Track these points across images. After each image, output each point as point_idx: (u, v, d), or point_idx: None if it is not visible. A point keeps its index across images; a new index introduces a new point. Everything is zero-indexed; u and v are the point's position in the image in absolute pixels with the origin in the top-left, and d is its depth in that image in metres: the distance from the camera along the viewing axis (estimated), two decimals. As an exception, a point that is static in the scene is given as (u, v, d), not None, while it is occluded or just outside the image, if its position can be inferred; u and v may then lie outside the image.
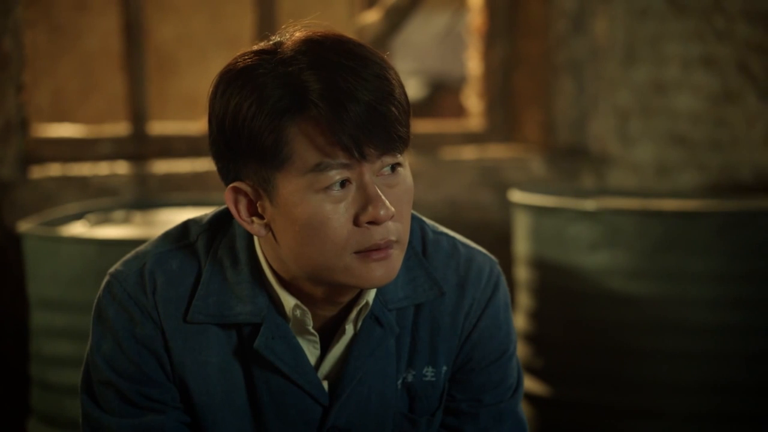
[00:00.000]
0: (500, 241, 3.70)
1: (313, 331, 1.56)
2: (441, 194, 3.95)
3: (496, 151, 4.22)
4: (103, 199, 3.35)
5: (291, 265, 1.50)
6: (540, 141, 4.25)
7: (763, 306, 3.02)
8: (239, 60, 1.47)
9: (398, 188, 1.48)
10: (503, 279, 1.67)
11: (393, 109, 1.43)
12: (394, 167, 1.47)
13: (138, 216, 3.09)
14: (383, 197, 1.45)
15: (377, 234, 1.46)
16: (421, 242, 1.64)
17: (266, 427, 1.58)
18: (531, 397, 3.22)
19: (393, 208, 1.45)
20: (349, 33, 1.51)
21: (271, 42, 1.49)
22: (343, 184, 1.45)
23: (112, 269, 1.59)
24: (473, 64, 4.41)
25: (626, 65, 4.27)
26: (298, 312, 1.54)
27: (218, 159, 1.51)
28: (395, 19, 3.78)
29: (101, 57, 6.65)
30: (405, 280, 1.60)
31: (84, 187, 3.40)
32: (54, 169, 3.43)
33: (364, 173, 1.44)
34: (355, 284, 1.49)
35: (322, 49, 1.44)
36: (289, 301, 1.54)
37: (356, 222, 1.45)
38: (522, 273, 3.33)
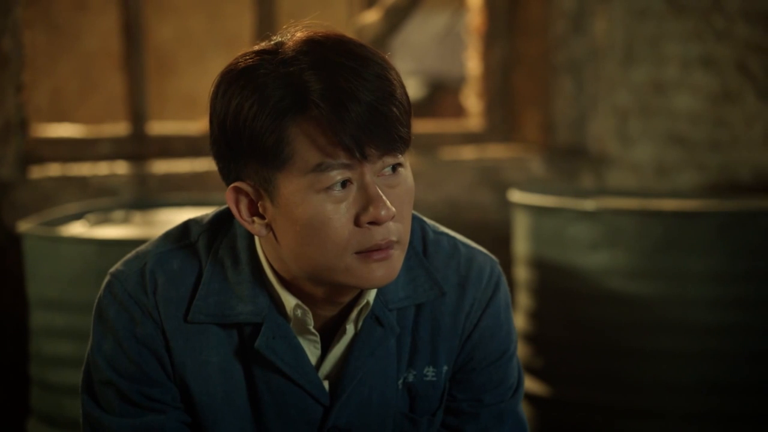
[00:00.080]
0: (500, 241, 3.70)
1: (313, 330, 1.56)
2: (440, 194, 3.96)
3: (496, 151, 4.22)
4: (102, 199, 3.35)
5: (292, 265, 1.50)
6: (539, 141, 4.25)
7: (762, 306, 3.03)
8: (240, 60, 1.47)
9: (399, 188, 1.48)
10: (504, 279, 1.67)
11: (394, 109, 1.43)
12: (395, 167, 1.47)
13: (137, 216, 3.09)
14: (384, 197, 1.45)
15: (378, 234, 1.46)
16: (421, 242, 1.64)
17: (267, 427, 1.58)
18: (530, 397, 3.22)
19: (394, 209, 1.45)
20: (348, 33, 1.51)
21: (272, 42, 1.49)
22: (344, 184, 1.45)
23: (112, 269, 1.59)
24: (472, 64, 4.41)
25: (625, 65, 4.27)
26: (299, 312, 1.54)
27: (219, 159, 1.51)
28: (394, 19, 3.78)
29: (100, 57, 6.65)
30: (405, 280, 1.60)
31: (83, 187, 3.40)
32: (53, 169, 3.43)
33: (365, 173, 1.44)
34: (356, 284, 1.49)
35: (323, 49, 1.44)
36: (290, 301, 1.54)
37: (357, 222, 1.45)
38: (521, 273, 3.33)
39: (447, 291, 1.62)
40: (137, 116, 3.76)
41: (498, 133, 4.34)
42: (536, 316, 3.26)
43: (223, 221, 1.60)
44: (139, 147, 3.73)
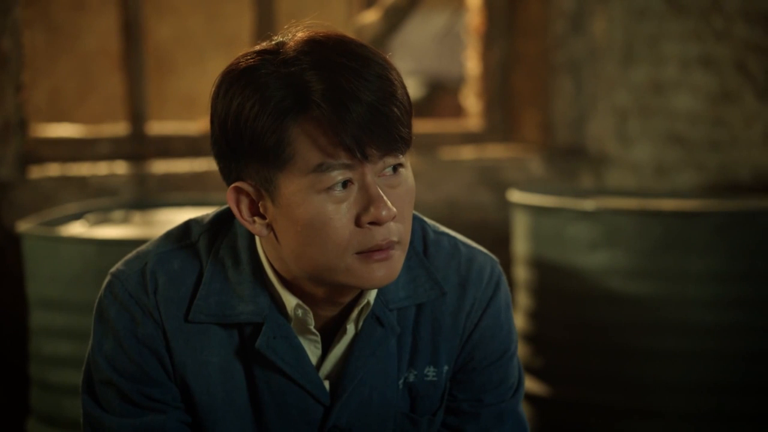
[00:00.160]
0: (499, 241, 3.70)
1: (314, 330, 1.56)
2: (440, 194, 3.96)
3: (495, 151, 4.22)
4: (102, 199, 3.35)
5: (292, 265, 1.51)
6: (539, 141, 4.26)
7: (762, 305, 3.03)
8: (241, 60, 1.47)
9: (400, 189, 1.48)
10: (504, 279, 1.68)
11: (395, 109, 1.43)
12: (395, 168, 1.47)
13: (137, 216, 3.09)
14: (385, 198, 1.45)
15: (379, 234, 1.46)
16: (422, 242, 1.64)
17: (267, 426, 1.58)
18: (530, 397, 3.22)
19: (395, 209, 1.45)
20: (347, 33, 1.52)
21: (273, 42, 1.49)
22: (345, 184, 1.45)
23: (113, 269, 1.59)
24: (472, 64, 4.41)
25: (625, 65, 4.28)
26: (299, 311, 1.54)
27: (220, 159, 1.51)
28: (394, 19, 3.78)
29: (99, 57, 6.65)
30: (406, 280, 1.60)
31: (83, 187, 3.40)
32: (53, 169, 3.43)
33: (366, 174, 1.44)
34: (357, 285, 1.49)
35: (324, 49, 1.44)
36: (290, 301, 1.54)
37: (358, 222, 1.45)
38: (521, 273, 3.33)
39: (447, 291, 1.62)
40: (137, 116, 3.76)
41: (497, 133, 4.34)
42: (535, 316, 3.26)
43: (223, 221, 1.60)
44: (138, 147, 3.73)
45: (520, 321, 3.28)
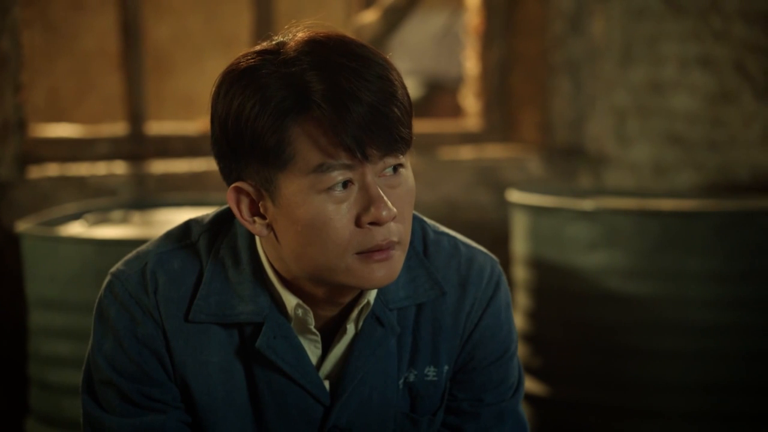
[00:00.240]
0: (498, 241, 3.70)
1: (314, 330, 1.56)
2: (438, 194, 3.96)
3: (494, 151, 4.22)
4: (101, 199, 3.35)
5: (292, 265, 1.51)
6: (537, 141, 4.26)
7: (761, 305, 3.03)
8: (242, 60, 1.47)
9: (400, 189, 1.48)
10: (504, 278, 1.68)
11: (395, 110, 1.43)
12: (396, 168, 1.48)
13: (136, 216, 3.09)
14: (385, 198, 1.45)
15: (379, 235, 1.46)
16: (422, 242, 1.64)
17: (267, 426, 1.58)
18: (529, 397, 3.22)
19: (395, 209, 1.45)
20: (346, 33, 1.52)
21: (273, 42, 1.49)
22: (346, 184, 1.45)
23: (113, 269, 1.59)
24: (470, 64, 4.41)
25: (623, 65, 4.28)
26: (300, 311, 1.54)
27: (220, 159, 1.51)
28: (393, 19, 3.78)
29: (98, 57, 6.65)
30: (406, 280, 1.60)
31: (82, 187, 3.40)
32: (52, 169, 3.43)
33: (366, 174, 1.45)
34: (357, 285, 1.49)
35: (325, 49, 1.44)
36: (290, 301, 1.54)
37: (358, 223, 1.45)
38: (520, 273, 3.33)
39: (447, 291, 1.62)
40: (135, 116, 3.76)
41: (496, 133, 4.34)
42: (534, 316, 3.26)
43: (223, 221, 1.60)
44: (137, 147, 3.73)
45: (518, 321, 3.28)
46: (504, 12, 4.30)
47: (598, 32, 4.21)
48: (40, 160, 3.49)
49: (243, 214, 1.51)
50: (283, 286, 1.54)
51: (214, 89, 1.49)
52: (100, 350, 1.57)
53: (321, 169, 1.43)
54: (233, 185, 1.50)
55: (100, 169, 3.50)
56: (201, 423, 1.57)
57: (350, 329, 1.58)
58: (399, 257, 1.50)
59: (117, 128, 3.83)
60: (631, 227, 3.05)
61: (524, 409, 1.73)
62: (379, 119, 1.42)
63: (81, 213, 3.05)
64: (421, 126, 4.33)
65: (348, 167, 1.44)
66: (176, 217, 3.00)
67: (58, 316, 2.72)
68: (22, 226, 2.82)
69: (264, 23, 3.91)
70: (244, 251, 1.56)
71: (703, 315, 3.02)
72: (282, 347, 1.54)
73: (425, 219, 1.67)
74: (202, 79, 5.88)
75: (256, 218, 1.50)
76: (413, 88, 7.97)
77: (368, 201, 1.45)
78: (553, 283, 3.20)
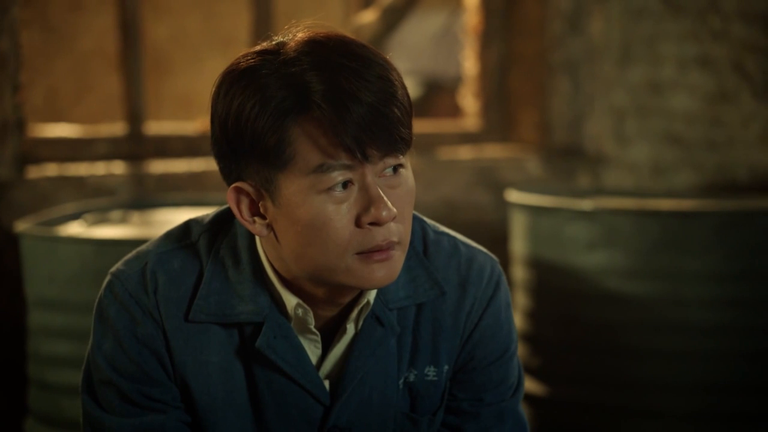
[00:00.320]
0: (497, 241, 3.70)
1: (314, 330, 1.56)
2: (437, 194, 3.96)
3: (493, 151, 4.22)
4: (100, 199, 3.34)
5: (292, 265, 1.51)
6: (536, 141, 4.26)
7: (760, 305, 3.03)
8: (242, 60, 1.47)
9: (400, 189, 1.48)
10: (504, 278, 1.68)
11: (395, 110, 1.43)
12: (396, 168, 1.48)
13: (135, 216, 3.09)
14: (385, 198, 1.45)
15: (379, 235, 1.46)
16: (422, 242, 1.64)
17: (267, 426, 1.58)
18: (528, 397, 3.21)
19: (395, 209, 1.46)
20: (345, 33, 1.52)
21: (273, 42, 1.49)
22: (346, 185, 1.45)
23: (113, 269, 1.59)
24: (469, 64, 4.41)
25: (622, 65, 4.28)
26: (300, 311, 1.54)
27: (220, 159, 1.51)
28: (391, 19, 3.78)
29: (96, 57, 6.65)
30: (406, 280, 1.60)
31: (81, 187, 3.40)
32: (51, 169, 3.42)
33: (366, 174, 1.45)
34: (357, 285, 1.49)
35: (325, 50, 1.44)
36: (290, 300, 1.54)
37: (358, 223, 1.45)
38: (519, 273, 3.33)
39: (447, 291, 1.62)
40: (134, 116, 3.76)
41: (495, 133, 4.34)
42: (533, 315, 3.26)
43: (223, 221, 1.61)
44: (136, 147, 3.73)
45: (517, 321, 3.28)
46: (503, 12, 4.30)
47: (596, 32, 4.21)
48: (39, 160, 3.49)
49: (243, 214, 1.51)
50: (283, 286, 1.54)
51: (214, 89, 1.49)
52: (100, 350, 1.57)
53: (321, 169, 1.43)
54: (233, 185, 1.50)
55: (99, 169, 3.50)
56: (201, 423, 1.57)
57: (350, 329, 1.58)
58: (399, 257, 1.50)
59: (116, 128, 3.83)
60: (630, 227, 3.05)
61: (524, 409, 1.74)
62: (379, 120, 1.42)
63: (80, 213, 3.05)
64: (420, 126, 4.33)
65: (348, 167, 1.44)
66: (175, 217, 3.00)
67: (58, 316, 2.72)
68: (21, 226, 2.82)
69: (263, 23, 3.91)
70: (244, 251, 1.56)
71: (702, 315, 3.02)
72: (282, 347, 1.54)
73: (425, 219, 1.67)
74: (201, 79, 5.88)
75: (256, 218, 1.50)
76: (412, 88, 7.96)
77: (368, 201, 1.45)
78: (552, 283, 3.20)
